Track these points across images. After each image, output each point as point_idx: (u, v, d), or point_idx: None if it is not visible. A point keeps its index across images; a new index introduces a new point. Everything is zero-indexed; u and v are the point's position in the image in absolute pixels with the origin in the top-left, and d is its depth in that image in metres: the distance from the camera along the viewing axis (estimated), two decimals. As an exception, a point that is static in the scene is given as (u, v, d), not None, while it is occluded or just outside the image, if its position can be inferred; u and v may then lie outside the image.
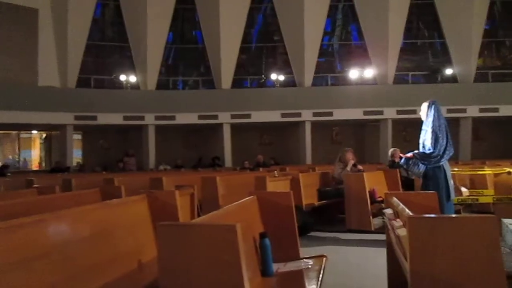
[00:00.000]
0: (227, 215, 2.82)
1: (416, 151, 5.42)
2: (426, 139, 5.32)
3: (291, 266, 3.31)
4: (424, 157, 5.30)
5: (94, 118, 16.79)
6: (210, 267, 1.99)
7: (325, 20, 18.73)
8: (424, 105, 5.46)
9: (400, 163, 5.86)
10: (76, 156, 18.28)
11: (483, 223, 1.87)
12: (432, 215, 2.05)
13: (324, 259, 3.43)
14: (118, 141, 18.84)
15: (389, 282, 3.26)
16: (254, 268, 2.89)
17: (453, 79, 18.32)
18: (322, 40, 18.86)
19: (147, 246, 3.01)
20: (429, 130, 5.28)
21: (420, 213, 2.44)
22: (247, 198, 3.44)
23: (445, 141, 5.22)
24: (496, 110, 17.34)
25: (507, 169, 6.58)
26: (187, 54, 19.31)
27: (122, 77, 17.71)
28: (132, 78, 17.86)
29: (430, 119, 5.30)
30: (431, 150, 5.24)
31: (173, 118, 17.58)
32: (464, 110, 17.27)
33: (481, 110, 17.37)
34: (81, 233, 2.44)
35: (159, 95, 18.05)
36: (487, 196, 6.63)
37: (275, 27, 19.04)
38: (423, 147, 5.37)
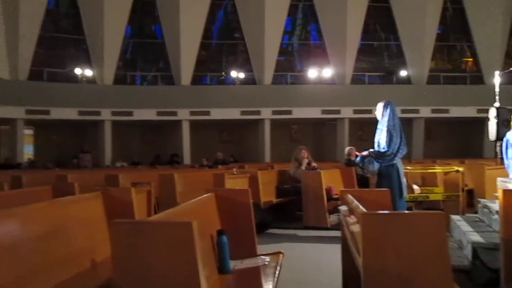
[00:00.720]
0: (184, 212, 2.80)
1: (371, 150, 5.57)
2: (381, 138, 5.48)
3: (248, 263, 3.33)
4: (379, 155, 5.46)
5: (47, 112, 16.17)
6: (166, 265, 1.97)
7: (286, 19, 18.90)
8: (380, 105, 5.62)
9: (356, 161, 6.01)
10: (27, 152, 17.52)
11: (432, 220, 1.95)
12: (384, 212, 2.13)
13: (281, 255, 3.47)
14: (72, 137, 18.22)
15: (344, 277, 3.34)
16: (211, 266, 2.88)
17: (407, 80, 18.97)
18: (282, 39, 19.02)
19: (101, 245, 2.93)
20: (384, 129, 5.44)
21: (373, 209, 2.51)
22: (204, 196, 3.42)
23: (399, 140, 5.40)
24: (447, 111, 18.12)
25: (456, 168, 6.88)
26: (146, 48, 18.95)
27: (77, 71, 17.16)
28: (88, 72, 17.33)
29: (386, 118, 5.46)
30: (386, 149, 5.40)
31: (130, 114, 17.22)
32: (417, 111, 17.92)
33: (433, 111, 18.09)
34: (31, 232, 2.35)
35: (116, 90, 17.60)
36: (437, 193, 6.92)
37: (236, 24, 19.01)
38: (378, 145, 5.52)
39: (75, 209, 2.98)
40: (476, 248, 4.04)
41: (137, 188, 4.35)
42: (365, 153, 5.59)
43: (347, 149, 10.26)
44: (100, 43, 17.41)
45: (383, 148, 5.42)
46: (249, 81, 18.76)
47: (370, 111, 18.03)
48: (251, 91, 18.16)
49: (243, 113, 17.76)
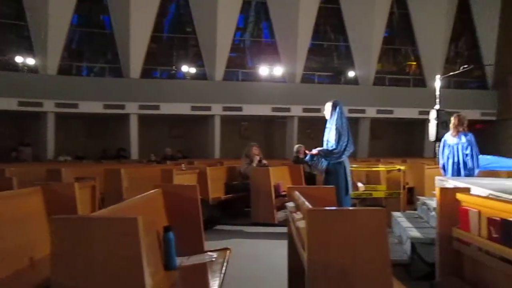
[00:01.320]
0: (129, 208, 2.73)
1: (320, 148, 5.71)
2: (330, 136, 5.64)
3: (195, 259, 3.31)
4: (327, 153, 5.61)
5: (-18, 102, 15.23)
6: (109, 262, 1.92)
7: (238, 15, 18.87)
8: (328, 105, 5.77)
9: (305, 159, 6.13)
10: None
11: (372, 216, 2.03)
12: (329, 208, 2.18)
13: (228, 252, 3.48)
14: (11, 129, 17.25)
15: (289, 272, 3.40)
16: (156, 262, 2.84)
17: (354, 81, 19.53)
18: (234, 35, 18.99)
19: (41, 242, 2.81)
20: (333, 128, 5.61)
21: (319, 206, 2.57)
22: (151, 191, 3.37)
23: (346, 138, 5.58)
24: (391, 112, 18.85)
25: (398, 167, 7.19)
26: (94, 39, 18.28)
27: (18, 59, 16.25)
28: (30, 61, 16.45)
29: (334, 117, 5.63)
30: (334, 147, 5.56)
31: (75, 106, 16.57)
32: (363, 111, 18.51)
33: (378, 112, 18.77)
34: (-38, 228, 2.21)
35: (60, 81, 16.84)
36: (380, 191, 7.20)
37: (187, 19, 18.75)
38: (327, 144, 5.67)
39: (12, 205, 2.83)
40: (415, 243, 4.26)
41: (81, 183, 4.20)
42: (314, 151, 5.72)
43: (296, 146, 10.44)
44: (44, 30, 16.56)
45: (332, 146, 5.57)
46: (200, 76, 18.59)
47: (319, 110, 18.43)
48: (202, 87, 18.02)
49: (193, 108, 17.60)
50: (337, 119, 5.61)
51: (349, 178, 5.77)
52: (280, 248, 4.66)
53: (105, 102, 16.81)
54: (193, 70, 18.49)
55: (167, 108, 17.32)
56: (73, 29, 17.76)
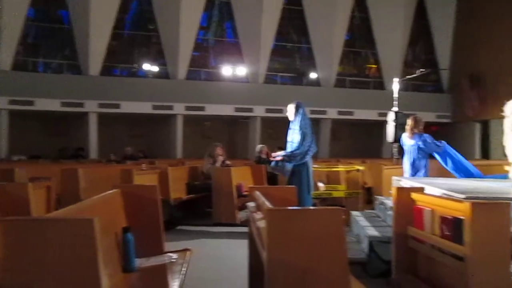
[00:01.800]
0: (86, 209, 2.66)
1: (283, 153, 5.78)
2: (294, 137, 5.74)
3: (154, 260, 3.26)
4: (290, 157, 5.69)
5: None
6: (63, 265, 1.86)
7: (202, 14, 18.74)
8: (291, 106, 5.86)
9: (271, 165, 6.16)
10: None
11: (331, 215, 2.06)
12: (288, 208, 2.21)
13: (189, 252, 3.45)
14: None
15: (250, 272, 3.41)
16: (114, 264, 2.78)
17: (316, 82, 19.82)
18: (198, 34, 18.84)
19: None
20: (297, 129, 5.70)
21: (279, 206, 2.59)
22: (109, 192, 3.29)
23: (310, 139, 5.69)
24: (351, 113, 19.27)
25: (357, 167, 7.35)
26: (51, 34, 17.64)
27: (-31, 53, 15.50)
28: (-18, 56, 15.72)
29: (298, 119, 5.73)
30: (298, 148, 5.64)
31: (31, 103, 15.95)
32: (324, 112, 18.82)
33: (339, 113, 19.13)
34: None
35: (15, 77, 16.16)
36: (340, 191, 7.34)
37: (150, 16, 18.44)
38: (291, 145, 5.75)
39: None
40: (372, 242, 4.36)
41: (35, 184, 4.05)
42: (278, 157, 5.78)
43: (258, 147, 10.48)
44: (-3, 24, 15.87)
45: (296, 148, 5.65)
46: (162, 75, 18.35)
47: (281, 111, 18.55)
48: (164, 85, 17.78)
49: (155, 107, 17.34)
50: (300, 121, 5.70)
51: (311, 178, 5.87)
52: (242, 248, 4.67)
53: (63, 100, 16.27)
54: (155, 68, 18.22)
55: (128, 107, 16.99)
56: (29, 23, 17.10)
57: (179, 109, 17.65)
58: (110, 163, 12.52)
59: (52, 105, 16.11)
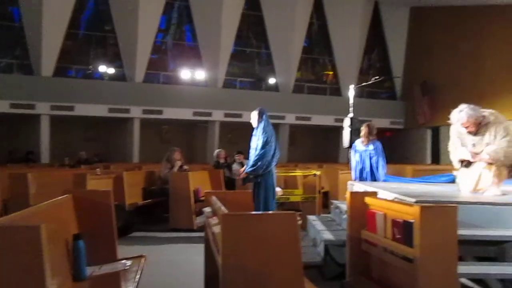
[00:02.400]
0: (34, 215, 2.55)
1: (248, 169, 5.84)
2: (258, 144, 5.78)
3: (107, 268, 3.17)
4: (256, 170, 5.77)
5: None
6: (10, 274, 1.78)
7: (160, 16, 18.50)
8: (254, 113, 5.95)
9: (243, 184, 6.18)
10: None
11: (285, 219, 2.08)
12: (243, 213, 2.21)
13: (143, 259, 3.38)
14: None
15: (206, 278, 3.38)
16: (64, 273, 2.68)
17: (275, 88, 20.00)
18: (156, 36, 18.58)
19: None
20: (261, 136, 5.75)
21: (236, 211, 2.58)
22: (60, 197, 3.17)
23: (273, 145, 5.76)
24: (309, 119, 19.57)
25: (314, 172, 7.46)
26: (0, 32, 16.85)
27: None
28: None
29: (261, 125, 5.82)
30: (260, 160, 5.74)
31: (-24, 104, 15.16)
32: (283, 117, 18.99)
33: (297, 118, 19.38)
34: None
35: (-41, 76, 15.34)
36: (297, 195, 7.42)
37: (107, 16, 18.00)
38: (256, 151, 5.81)
39: None
40: (328, 245, 4.44)
41: (-21, 189, 3.84)
42: (243, 174, 5.90)
43: (216, 151, 10.46)
44: None
45: (260, 155, 5.69)
46: (119, 77, 17.92)
47: (240, 115, 18.74)
48: (121, 88, 17.38)
49: (111, 110, 16.90)
50: (264, 127, 5.80)
51: (275, 184, 5.98)
52: (198, 254, 4.62)
53: (13, 101, 15.55)
54: (111, 70, 17.79)
55: (83, 109, 16.47)
56: (-24, 20, 16.30)
57: (136, 112, 17.30)
58: (63, 168, 12.10)
59: (0, 106, 15.37)
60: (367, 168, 6.55)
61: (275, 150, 5.83)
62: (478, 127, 4.37)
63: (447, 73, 18.53)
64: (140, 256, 3.44)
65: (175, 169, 8.05)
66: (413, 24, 21.16)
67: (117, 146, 18.08)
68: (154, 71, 18.52)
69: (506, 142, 4.23)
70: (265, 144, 5.71)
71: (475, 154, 4.37)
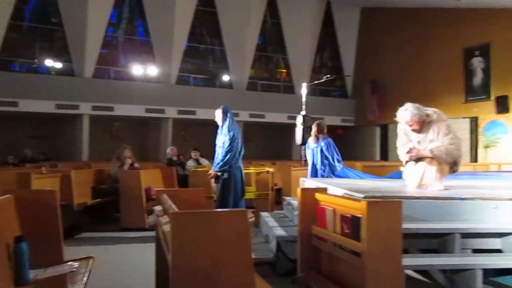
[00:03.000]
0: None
1: (216, 169, 5.84)
2: (225, 141, 5.82)
3: (52, 271, 3.04)
4: (223, 166, 5.77)
5: None
6: None
7: (111, 10, 17.98)
8: (219, 112, 5.97)
9: (216, 183, 6.14)
10: None
11: (235, 217, 2.09)
12: (192, 211, 2.19)
13: (91, 260, 3.28)
14: None
15: (157, 277, 3.33)
16: (4, 277, 2.54)
17: (229, 85, 19.98)
18: (106, 30, 18.04)
19: None
20: (227, 133, 5.78)
21: (187, 209, 2.56)
22: (0, 198, 3.01)
23: (239, 142, 5.81)
24: (263, 116, 19.70)
25: (267, 169, 7.52)
26: None
27: None
28: None
29: (227, 123, 5.86)
30: (228, 154, 5.75)
31: None
32: (237, 115, 18.88)
33: (251, 116, 19.45)
34: None
35: None
36: (250, 192, 7.44)
37: (53, 8, 17.26)
38: (223, 149, 5.83)
39: None
40: (280, 241, 4.49)
41: None
42: (212, 174, 5.85)
43: (168, 149, 10.32)
44: None
45: (227, 153, 5.74)
46: (67, 72, 17.26)
47: (194, 112, 18.58)
48: (69, 83, 16.74)
49: (58, 106, 16.25)
50: (229, 125, 5.86)
51: (244, 181, 6.01)
52: (150, 253, 4.54)
53: (-51, 96, 14.66)
54: (59, 64, 17.11)
55: (28, 106, 15.73)
56: None
57: (85, 109, 16.74)
58: (7, 166, 11.53)
59: None
60: (318, 165, 6.72)
61: (241, 147, 5.89)
62: (422, 125, 4.56)
63: (394, 72, 19.25)
64: (88, 257, 3.33)
65: (126, 167, 7.87)
66: (363, 24, 21.81)
67: (66, 144, 17.43)
68: (104, 66, 17.99)
69: (449, 139, 4.44)
70: (232, 141, 5.79)
71: (418, 151, 4.55)
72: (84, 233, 6.74)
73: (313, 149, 6.90)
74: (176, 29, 18.22)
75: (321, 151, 6.77)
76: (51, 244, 3.26)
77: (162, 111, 17.95)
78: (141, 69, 18.08)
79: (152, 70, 18.22)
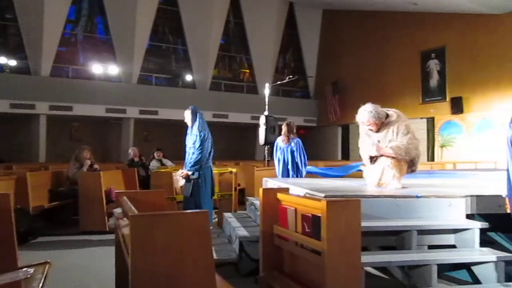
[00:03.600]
0: None
1: (187, 169, 5.86)
2: (195, 142, 5.83)
3: (6, 278, 2.92)
4: (194, 165, 5.77)
5: None
6: None
7: (69, 7, 17.44)
8: (188, 112, 5.99)
9: (188, 184, 6.08)
10: None
11: (196, 218, 2.07)
12: (152, 213, 2.16)
13: (48, 265, 3.16)
14: None
15: (117, 281, 3.27)
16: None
17: (192, 85, 19.81)
18: (65, 28, 17.48)
19: None
20: (197, 134, 5.76)
21: (148, 211, 2.52)
22: None
23: (209, 143, 5.82)
24: (226, 116, 19.65)
25: (230, 169, 7.50)
26: None
27: None
28: None
29: (196, 124, 5.88)
30: (198, 155, 5.77)
31: None
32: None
33: (214, 116, 19.34)
34: None
35: None
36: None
37: (7, 3, 16.55)
38: (194, 149, 5.83)
39: None
40: (242, 242, 4.50)
41: None
42: (183, 174, 5.84)
43: (130, 149, 10.14)
44: None
45: (197, 153, 5.75)
46: (23, 70, 16.62)
47: (156, 112, 18.33)
48: (25, 82, 16.09)
49: (13, 106, 15.61)
50: (199, 126, 5.89)
51: (214, 182, 6.08)
52: (109, 257, 4.45)
53: None
54: (13, 62, 16.44)
55: (-21, 105, 15.07)
56: None
57: (42, 108, 16.17)
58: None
59: None
60: (289, 165, 6.81)
61: (211, 147, 5.93)
62: (381, 126, 4.67)
63: (355, 73, 19.68)
64: (45, 263, 3.21)
65: (85, 168, 7.65)
66: (325, 26, 22.17)
67: (21, 145, 16.78)
68: (62, 64, 17.44)
69: (407, 139, 4.57)
70: (202, 141, 5.83)
71: (379, 148, 4.66)
72: (40, 237, 6.50)
73: (283, 149, 6.96)
74: (138, 27, 17.89)
75: (292, 151, 6.86)
76: (4, 250, 3.14)
77: (123, 111, 17.58)
78: (101, 68, 17.66)
79: (113, 69, 17.83)
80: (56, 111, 16.34)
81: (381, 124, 4.65)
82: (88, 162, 7.78)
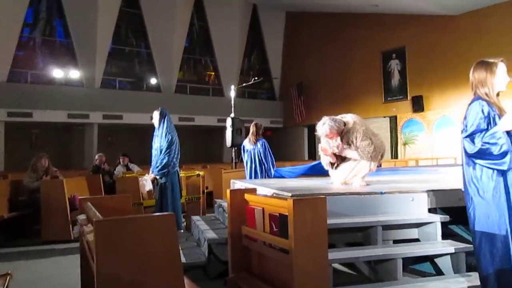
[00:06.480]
0: None
1: (155, 173, 5.83)
2: (162, 145, 5.80)
3: (-37, 291, 2.80)
4: (161, 169, 5.76)
5: None
6: None
7: (26, 9, 16.86)
8: (156, 114, 5.95)
9: (156, 187, 6.01)
10: None
11: (162, 222, 2.05)
12: (116, 217, 2.11)
13: (8, 277, 3.05)
14: None
15: (82, 289, 3.19)
16: None
17: (157, 88, 19.55)
18: (22, 31, 16.88)
19: None
20: (164, 137, 5.73)
21: (113, 216, 2.47)
22: None
23: (177, 145, 5.80)
24: (193, 119, 19.51)
25: (197, 172, 7.47)
26: None
27: None
28: None
29: (164, 126, 5.85)
30: (166, 158, 5.75)
31: None
32: (167, 118, 18.61)
33: (180, 119, 19.15)
34: None
35: None
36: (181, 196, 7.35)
37: (-42, 7, 15.88)
38: (160, 153, 5.80)
39: None
40: (211, 244, 4.48)
41: None
42: (151, 177, 5.84)
43: (97, 156, 9.90)
44: None
45: (165, 157, 5.73)
46: (-22, 76, 15.96)
47: (120, 117, 18.01)
48: (-20, 88, 15.49)
49: (-32, 113, 14.99)
50: (166, 128, 5.88)
51: (181, 184, 6.16)
52: (74, 266, 4.34)
53: None
54: (-33, 68, 15.76)
55: None
56: None
57: (0, 115, 15.55)
58: None
59: None
60: (258, 166, 6.84)
61: (178, 150, 5.92)
62: (341, 134, 4.73)
63: (318, 74, 19.96)
64: (6, 274, 3.10)
65: (44, 176, 7.40)
66: (288, 28, 22.40)
67: (-23, 153, 16.09)
68: (20, 69, 16.82)
69: (367, 142, 4.66)
70: (170, 144, 5.83)
71: (342, 148, 4.74)
72: (0, 249, 6.26)
73: (250, 150, 6.97)
74: (99, 30, 17.48)
75: (258, 153, 6.88)
76: (-40, 263, 3.01)
77: (86, 116, 17.14)
78: (62, 72, 17.17)
79: (75, 73, 17.37)
80: (14, 117, 15.75)
81: (342, 132, 4.71)
82: (43, 170, 7.47)
